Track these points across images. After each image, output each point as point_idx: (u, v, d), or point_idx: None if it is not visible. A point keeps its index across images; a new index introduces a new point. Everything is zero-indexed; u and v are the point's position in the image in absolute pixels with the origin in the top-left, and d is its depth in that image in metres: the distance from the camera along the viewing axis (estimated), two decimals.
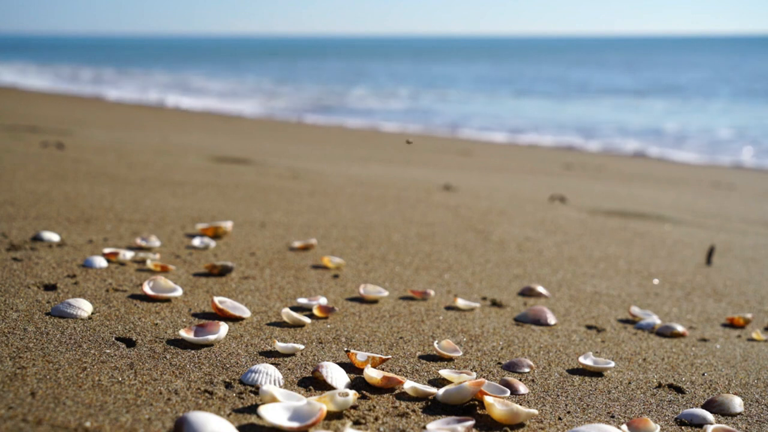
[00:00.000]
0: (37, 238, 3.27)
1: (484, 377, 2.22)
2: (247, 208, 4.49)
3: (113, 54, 65.70)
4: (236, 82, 30.95)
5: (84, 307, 2.39)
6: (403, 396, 2.01)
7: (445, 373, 2.15)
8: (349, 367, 2.18)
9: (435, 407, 1.96)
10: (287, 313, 2.52)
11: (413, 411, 1.92)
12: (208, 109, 18.95)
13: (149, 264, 2.99)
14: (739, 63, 49.55)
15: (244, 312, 2.55)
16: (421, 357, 2.34)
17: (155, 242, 3.37)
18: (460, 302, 2.90)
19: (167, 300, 2.63)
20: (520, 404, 2.04)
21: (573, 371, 2.34)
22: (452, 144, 12.73)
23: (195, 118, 15.07)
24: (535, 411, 1.92)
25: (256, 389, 1.95)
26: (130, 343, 2.21)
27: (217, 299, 2.53)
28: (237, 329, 2.42)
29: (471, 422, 1.81)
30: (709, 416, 2.03)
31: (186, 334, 2.25)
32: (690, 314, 3.13)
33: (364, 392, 1.99)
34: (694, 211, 6.16)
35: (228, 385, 1.96)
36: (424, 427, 1.82)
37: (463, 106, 21.60)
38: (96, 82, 29.35)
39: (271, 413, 1.74)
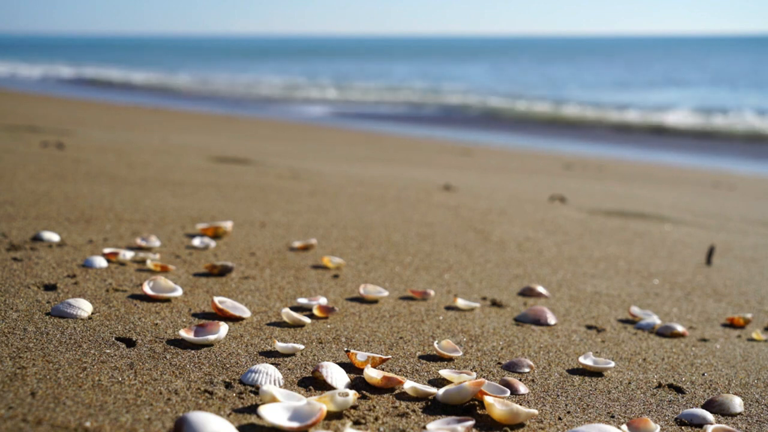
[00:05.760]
0: (37, 238, 3.27)
1: (484, 377, 2.22)
2: (247, 208, 4.49)
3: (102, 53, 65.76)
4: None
5: (84, 307, 2.39)
6: (403, 396, 2.01)
7: (445, 373, 2.15)
8: (349, 367, 2.18)
9: (435, 407, 1.96)
10: (287, 313, 2.52)
11: (413, 411, 1.92)
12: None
13: (149, 264, 2.99)
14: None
15: (244, 312, 2.55)
16: (421, 357, 2.34)
17: (155, 242, 3.37)
18: (460, 302, 2.90)
19: (167, 300, 2.63)
20: (520, 404, 2.04)
21: (573, 371, 2.34)
22: (452, 144, 12.73)
23: (195, 118, 15.07)
24: (535, 411, 1.92)
25: (256, 389, 1.95)
26: (130, 343, 2.21)
27: (217, 299, 2.53)
28: (237, 329, 2.42)
29: (471, 422, 1.81)
30: (709, 416, 2.03)
31: (186, 334, 2.25)
32: (690, 314, 3.13)
33: (364, 392, 1.99)
34: (694, 211, 6.16)
35: (228, 385, 1.96)
36: (424, 427, 1.82)
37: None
38: None
39: (271, 413, 1.74)
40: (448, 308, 2.89)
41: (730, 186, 8.74)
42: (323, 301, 2.75)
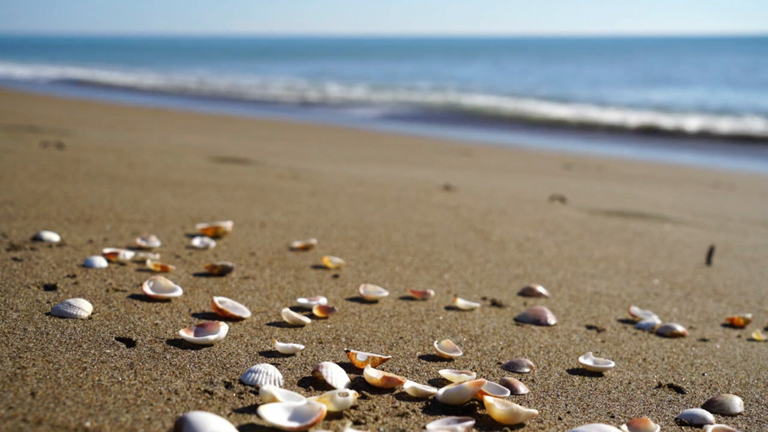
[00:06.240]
0: (37, 238, 3.27)
1: (484, 377, 2.22)
2: (247, 208, 4.49)
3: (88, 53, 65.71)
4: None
5: (84, 307, 2.39)
6: (403, 396, 2.01)
7: (445, 373, 2.15)
8: (349, 367, 2.18)
9: (435, 407, 1.96)
10: (287, 313, 2.52)
11: (413, 411, 1.92)
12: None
13: (149, 264, 2.99)
14: None
15: (244, 312, 2.55)
16: (421, 357, 2.34)
17: (155, 242, 3.37)
18: (460, 302, 2.89)
19: (167, 300, 2.63)
20: (520, 404, 2.04)
21: (573, 371, 2.34)
22: (452, 144, 12.73)
23: (195, 118, 15.08)
24: (535, 411, 1.92)
25: (256, 389, 1.95)
26: (130, 343, 2.21)
27: (217, 299, 2.53)
28: (237, 329, 2.42)
29: (471, 422, 1.81)
30: (709, 416, 2.03)
31: (186, 334, 2.25)
32: (690, 314, 3.13)
33: (364, 392, 1.99)
34: (694, 211, 6.16)
35: (228, 385, 1.96)
36: (424, 427, 1.82)
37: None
38: None
39: (271, 413, 1.74)
40: (448, 308, 2.89)
41: (730, 186, 8.74)
42: (323, 301, 2.75)
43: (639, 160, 12.11)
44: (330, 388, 2.01)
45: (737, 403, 2.14)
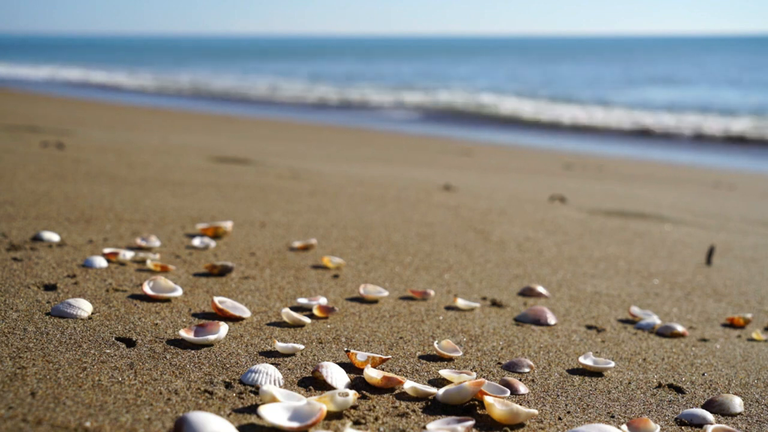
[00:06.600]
0: (37, 238, 3.27)
1: (484, 377, 2.22)
2: (247, 208, 4.49)
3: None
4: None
5: (84, 307, 2.39)
6: (403, 396, 2.01)
7: (445, 373, 2.15)
8: (349, 367, 2.18)
9: (435, 407, 1.96)
10: (287, 313, 2.52)
11: (413, 411, 1.92)
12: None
13: (149, 264, 2.99)
14: None
15: (244, 312, 2.55)
16: (421, 357, 2.34)
17: (155, 242, 3.37)
18: (460, 302, 2.90)
19: (167, 300, 2.63)
20: (520, 404, 2.04)
21: (573, 371, 2.34)
22: (452, 144, 12.73)
23: (195, 118, 15.07)
24: (535, 411, 1.92)
25: (256, 389, 1.95)
26: (130, 343, 2.21)
27: (217, 299, 2.53)
28: (237, 329, 2.42)
29: (471, 422, 1.81)
30: (709, 416, 2.03)
31: (186, 334, 2.25)
32: (690, 314, 3.13)
33: (364, 392, 1.99)
34: (694, 211, 6.16)
35: (228, 385, 1.96)
36: (424, 427, 1.82)
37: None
38: None
39: (271, 413, 1.74)
40: (448, 308, 2.89)
41: (730, 186, 8.74)
42: (323, 301, 2.75)
43: (639, 160, 12.11)
44: (330, 388, 2.01)
45: (737, 403, 2.14)
